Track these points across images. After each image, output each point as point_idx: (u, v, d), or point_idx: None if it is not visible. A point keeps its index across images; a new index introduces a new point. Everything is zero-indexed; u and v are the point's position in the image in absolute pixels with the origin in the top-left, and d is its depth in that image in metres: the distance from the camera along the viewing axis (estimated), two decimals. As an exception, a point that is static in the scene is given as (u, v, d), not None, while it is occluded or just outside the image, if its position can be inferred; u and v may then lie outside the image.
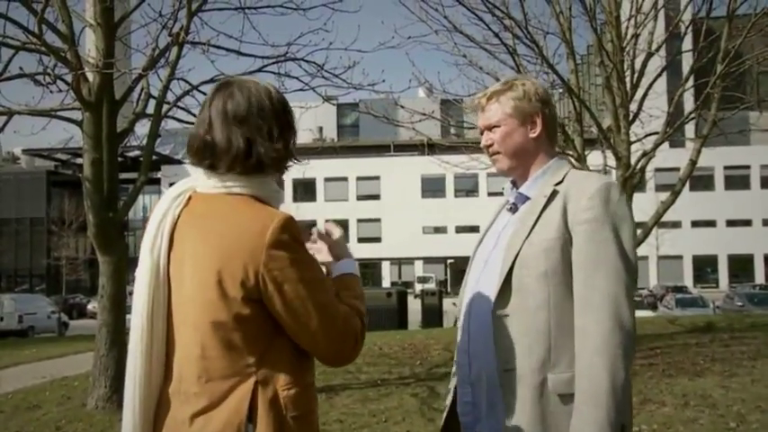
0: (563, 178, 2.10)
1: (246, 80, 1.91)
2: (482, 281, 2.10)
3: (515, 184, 2.24)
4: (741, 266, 51.56)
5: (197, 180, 1.92)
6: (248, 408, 1.73)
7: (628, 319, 1.92)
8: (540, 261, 1.98)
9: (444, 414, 2.20)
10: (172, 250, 1.85)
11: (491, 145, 2.19)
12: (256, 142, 1.80)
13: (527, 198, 2.15)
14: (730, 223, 51.28)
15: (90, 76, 7.75)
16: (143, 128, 9.22)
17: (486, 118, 2.20)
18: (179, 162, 53.28)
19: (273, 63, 8.51)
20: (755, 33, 10.27)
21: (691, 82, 11.39)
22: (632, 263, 1.97)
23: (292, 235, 1.77)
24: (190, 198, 1.90)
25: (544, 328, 1.96)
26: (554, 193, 2.06)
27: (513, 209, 2.18)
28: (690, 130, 23.65)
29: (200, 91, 8.32)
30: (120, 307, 8.24)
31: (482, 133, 2.23)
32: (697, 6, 11.19)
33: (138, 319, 1.85)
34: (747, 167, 51.71)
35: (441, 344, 12.17)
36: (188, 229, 1.83)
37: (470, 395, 2.08)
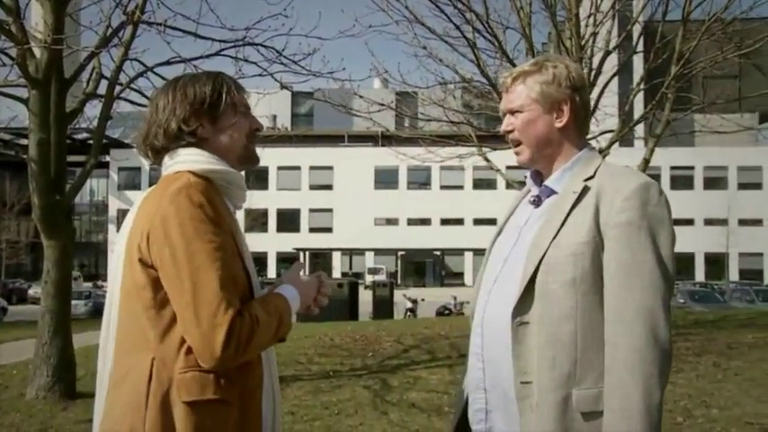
0: (594, 172, 1.90)
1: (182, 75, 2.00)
2: (501, 281, 1.91)
3: (538, 174, 2.03)
4: (683, 264, 52.93)
5: None
6: (147, 387, 1.67)
7: (664, 335, 1.75)
8: (569, 267, 1.79)
9: (456, 420, 2.02)
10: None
11: (511, 131, 1.99)
12: (172, 122, 1.84)
13: (552, 191, 1.95)
14: (674, 222, 52.60)
15: (37, 51, 7.43)
16: (93, 109, 8.92)
17: (508, 100, 1.99)
18: (129, 146, 52.10)
19: (231, 47, 8.31)
20: (708, 37, 10.49)
21: (643, 83, 11.58)
22: (670, 272, 1.80)
23: (191, 199, 1.69)
24: None
25: (570, 339, 1.78)
26: (585, 190, 1.86)
27: (537, 202, 1.98)
28: (639, 129, 24.14)
29: (155, 72, 8.07)
30: (64, 293, 7.97)
31: (504, 116, 2.02)
32: (653, 8, 11.35)
33: (107, 297, 1.89)
34: (692, 168, 53.14)
35: (392, 336, 12.16)
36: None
37: (483, 401, 1.92)
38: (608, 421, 1.73)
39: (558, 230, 1.83)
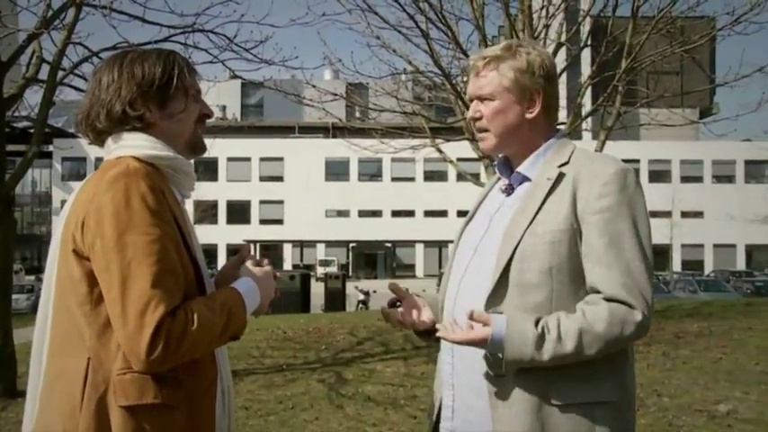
0: (569, 159, 1.83)
1: (127, 50, 1.83)
2: (471, 271, 1.84)
3: (507, 161, 1.96)
4: (628, 255, 54.28)
5: None
6: (82, 388, 1.54)
7: (645, 325, 1.71)
8: (546, 255, 1.73)
9: (433, 416, 1.94)
10: None
11: (479, 118, 1.89)
12: (116, 104, 1.69)
13: (525, 178, 1.87)
14: (620, 214, 53.81)
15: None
16: (35, 95, 8.55)
17: (478, 86, 1.89)
18: (73, 135, 50.63)
19: (181, 33, 8.05)
20: (656, 32, 10.65)
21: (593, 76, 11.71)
22: (650, 259, 1.77)
23: (129, 187, 1.55)
24: None
25: None
26: (560, 176, 1.79)
27: (508, 190, 1.90)
28: (585, 122, 24.54)
29: (100, 58, 7.74)
30: (5, 287, 7.64)
31: (471, 101, 1.93)
32: (604, 2, 11.44)
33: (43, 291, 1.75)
34: (637, 161, 54.33)
35: (345, 328, 12.06)
36: None
37: (451, 398, 1.85)
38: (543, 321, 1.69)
39: (533, 218, 1.76)
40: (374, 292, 29.53)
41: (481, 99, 1.89)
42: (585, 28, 11.67)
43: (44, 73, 7.76)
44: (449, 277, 1.94)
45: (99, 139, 1.75)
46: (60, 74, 7.74)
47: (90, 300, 1.57)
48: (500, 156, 1.99)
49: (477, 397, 1.77)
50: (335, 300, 22.59)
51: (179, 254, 1.61)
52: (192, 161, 1.84)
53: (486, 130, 1.90)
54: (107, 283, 1.53)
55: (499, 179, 1.99)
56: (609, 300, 1.70)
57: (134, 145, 1.68)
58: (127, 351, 1.52)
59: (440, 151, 12.45)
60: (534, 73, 1.84)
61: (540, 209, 1.77)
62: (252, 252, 1.88)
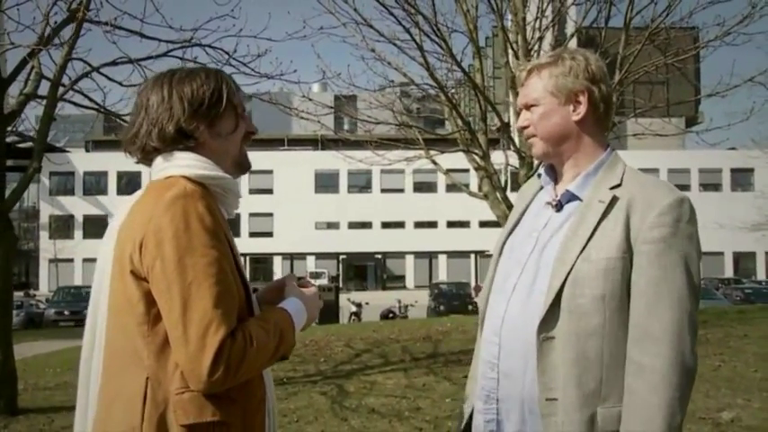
0: (621, 180, 1.83)
1: (179, 68, 1.84)
2: (520, 290, 1.83)
3: (553, 170, 1.96)
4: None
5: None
6: (141, 408, 1.56)
7: (690, 356, 1.70)
8: (599, 282, 1.73)
9: (461, 428, 1.95)
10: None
11: (527, 126, 1.91)
12: (168, 125, 1.70)
13: (574, 196, 1.87)
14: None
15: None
16: (31, 110, 8.50)
17: (524, 95, 1.92)
18: (61, 150, 50.38)
19: (179, 48, 8.05)
20: (650, 43, 10.75)
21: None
22: (698, 292, 1.75)
23: (187, 209, 1.57)
24: None
25: (596, 357, 1.73)
26: (613, 200, 1.79)
27: (558, 206, 1.89)
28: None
29: (100, 73, 7.73)
30: (5, 304, 7.57)
31: (520, 112, 1.96)
32: (597, 13, 11.55)
33: (90, 311, 1.77)
34: (625, 170, 54.73)
35: (342, 340, 12.06)
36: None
37: (495, 412, 1.85)
38: None
39: (586, 243, 1.77)
40: (366, 303, 29.50)
41: (528, 107, 1.92)
42: (573, 42, 11.77)
43: (43, 89, 7.75)
44: (491, 291, 1.94)
45: (147, 158, 1.76)
46: (60, 90, 7.71)
47: (147, 320, 1.59)
48: (546, 165, 1.98)
49: (525, 412, 1.79)
50: (329, 312, 22.54)
51: (233, 274, 1.64)
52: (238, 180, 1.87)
53: (533, 136, 1.91)
54: (168, 304, 1.55)
55: (540, 188, 1.99)
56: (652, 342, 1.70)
57: (185, 165, 1.70)
58: (187, 372, 1.54)
59: (435, 163, 12.50)
60: (578, 76, 1.86)
61: (593, 234, 1.77)
62: (294, 280, 1.90)
